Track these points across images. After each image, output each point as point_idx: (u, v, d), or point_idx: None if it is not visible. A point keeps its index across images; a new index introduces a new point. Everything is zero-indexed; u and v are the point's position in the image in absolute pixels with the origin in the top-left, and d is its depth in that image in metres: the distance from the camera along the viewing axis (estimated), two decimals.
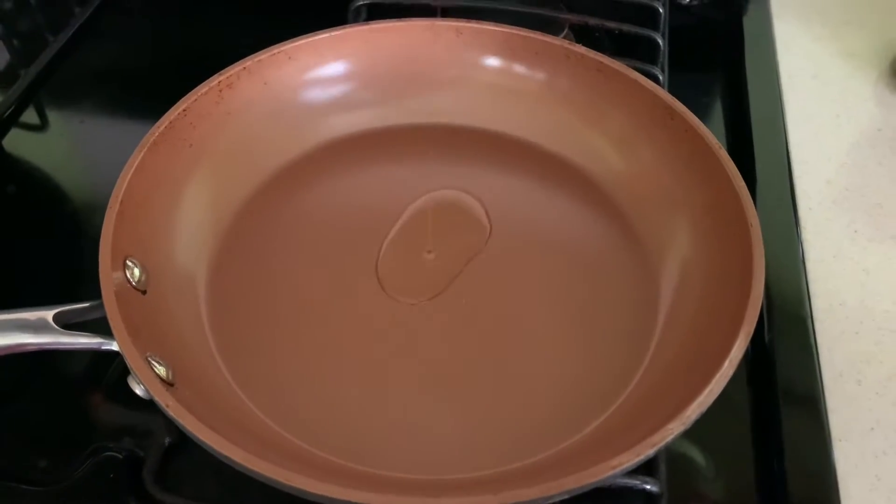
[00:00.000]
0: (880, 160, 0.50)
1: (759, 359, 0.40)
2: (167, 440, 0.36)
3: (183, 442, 0.36)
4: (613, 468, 0.28)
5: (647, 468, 0.34)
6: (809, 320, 0.41)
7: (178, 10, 0.62)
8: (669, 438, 0.29)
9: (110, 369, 0.39)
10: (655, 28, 0.53)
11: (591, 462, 0.28)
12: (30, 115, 0.54)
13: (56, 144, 0.53)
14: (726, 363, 0.31)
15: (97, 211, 0.37)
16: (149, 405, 0.32)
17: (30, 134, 0.53)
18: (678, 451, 0.36)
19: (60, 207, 0.49)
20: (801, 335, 0.40)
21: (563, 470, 0.29)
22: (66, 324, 0.34)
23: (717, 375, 0.31)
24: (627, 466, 0.28)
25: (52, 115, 0.54)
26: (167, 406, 0.30)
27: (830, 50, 0.58)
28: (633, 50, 0.52)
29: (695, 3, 0.63)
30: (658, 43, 0.52)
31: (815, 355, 0.40)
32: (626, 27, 0.53)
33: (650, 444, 0.29)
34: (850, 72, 0.56)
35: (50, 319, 0.33)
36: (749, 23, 0.59)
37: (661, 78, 0.49)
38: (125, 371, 0.32)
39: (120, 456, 0.36)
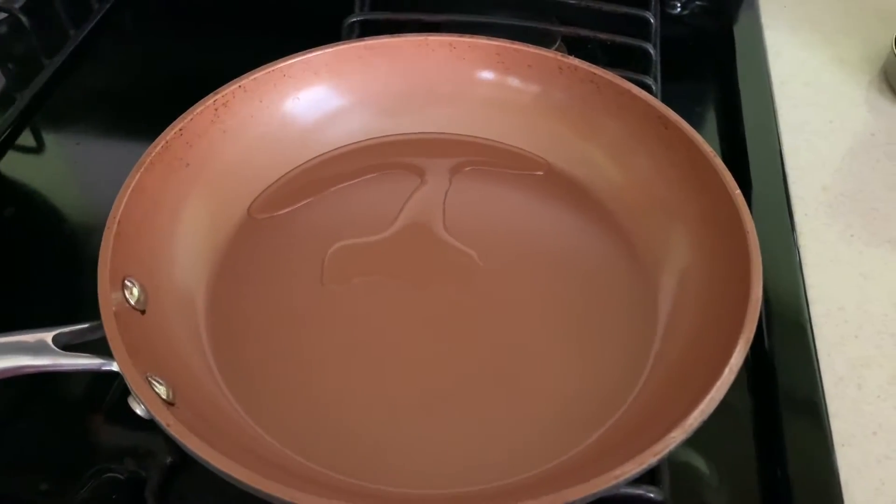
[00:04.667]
0: (874, 165, 0.51)
1: (760, 366, 0.40)
2: (168, 460, 0.36)
3: (184, 462, 0.36)
4: (616, 478, 0.28)
5: (650, 477, 0.34)
6: (808, 326, 0.41)
7: (173, 32, 0.63)
8: (672, 447, 0.29)
9: (111, 390, 0.39)
10: (647, 39, 0.54)
11: (594, 472, 0.28)
12: (26, 138, 0.54)
13: (52, 167, 0.53)
14: (726, 370, 0.31)
15: (95, 232, 0.37)
16: (149, 425, 0.32)
17: (26, 156, 0.53)
18: (681, 459, 0.36)
19: (58, 229, 0.49)
20: (800, 341, 0.41)
21: (566, 481, 0.29)
22: (66, 345, 0.33)
23: (718, 383, 0.31)
24: (630, 476, 0.28)
25: (49, 138, 0.54)
26: (168, 425, 0.29)
27: (821, 57, 0.58)
28: (626, 61, 0.52)
29: (685, 13, 0.63)
30: (650, 53, 0.52)
31: (815, 361, 0.40)
32: (618, 38, 0.53)
33: (653, 452, 0.29)
34: (842, 78, 0.57)
35: (49, 341, 0.33)
36: (740, 32, 0.60)
37: (653, 88, 0.50)
38: (125, 392, 0.32)
39: (122, 477, 0.36)
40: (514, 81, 0.47)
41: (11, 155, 0.53)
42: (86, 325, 0.34)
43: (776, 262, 0.43)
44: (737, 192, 0.38)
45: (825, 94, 0.56)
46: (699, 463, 0.37)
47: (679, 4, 0.63)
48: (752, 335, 0.33)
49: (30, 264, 0.46)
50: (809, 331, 0.41)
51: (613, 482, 0.28)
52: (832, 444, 0.37)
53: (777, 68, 0.57)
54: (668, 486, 0.34)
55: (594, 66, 0.45)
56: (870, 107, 0.55)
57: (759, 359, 0.40)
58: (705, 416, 0.30)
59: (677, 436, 0.29)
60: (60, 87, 0.57)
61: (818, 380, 0.39)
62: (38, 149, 0.54)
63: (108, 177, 0.41)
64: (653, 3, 0.57)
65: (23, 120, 0.54)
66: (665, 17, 0.59)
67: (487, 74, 0.48)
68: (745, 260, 0.35)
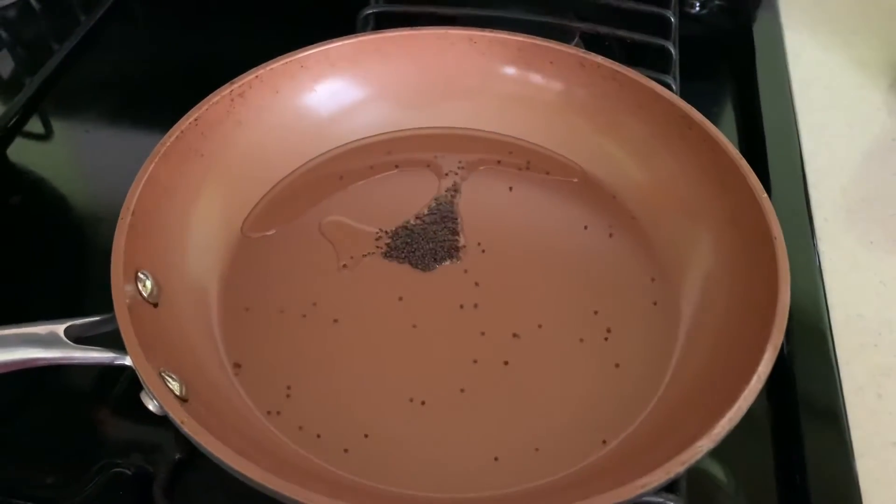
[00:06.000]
0: (894, 170, 0.50)
1: (779, 372, 0.39)
2: (177, 455, 0.35)
3: (193, 457, 0.35)
4: (642, 487, 0.27)
5: (668, 485, 0.33)
6: (829, 333, 0.41)
7: (185, 19, 0.62)
8: (699, 456, 0.29)
9: (118, 383, 0.38)
10: (666, 37, 0.53)
11: (617, 480, 0.28)
12: (34, 125, 0.53)
13: (61, 154, 0.53)
14: (754, 378, 0.31)
15: (103, 221, 0.37)
16: (158, 420, 0.31)
17: (34, 143, 0.53)
18: (699, 466, 0.36)
19: (66, 218, 0.48)
20: (820, 348, 0.40)
21: (587, 489, 0.28)
22: (78, 338, 0.33)
23: (746, 391, 0.30)
24: (656, 486, 0.28)
25: (57, 125, 0.54)
26: (182, 423, 0.29)
27: (841, 59, 0.58)
28: (644, 59, 0.52)
29: (704, 12, 0.62)
30: (670, 52, 0.52)
31: (836, 369, 0.39)
32: (637, 36, 0.52)
33: (679, 462, 0.28)
34: (862, 81, 0.56)
35: (61, 333, 0.32)
36: (759, 32, 0.59)
37: (673, 87, 0.49)
38: (133, 385, 0.32)
39: (129, 472, 0.35)
40: (535, 77, 0.47)
41: (19, 141, 0.52)
42: (98, 318, 0.33)
43: (796, 267, 0.41)
44: (763, 195, 0.37)
45: (845, 97, 0.55)
46: (717, 470, 0.36)
47: (698, 3, 0.62)
48: (780, 343, 0.32)
49: (37, 253, 0.45)
50: (829, 338, 0.40)
51: (640, 491, 0.27)
52: (852, 454, 0.36)
53: (796, 70, 0.56)
54: (686, 494, 0.34)
55: (617, 63, 0.45)
56: (890, 110, 0.54)
57: (778, 365, 0.39)
58: (733, 425, 0.29)
59: (704, 445, 0.29)
60: (70, 73, 0.56)
61: (838, 388, 0.38)
62: (47, 135, 0.53)
63: (117, 165, 0.41)
64: (673, 1, 0.56)
65: (31, 106, 0.53)
66: (683, 16, 0.59)
67: (508, 70, 0.47)
68: (771, 265, 0.35)
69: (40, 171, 0.51)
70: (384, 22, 0.54)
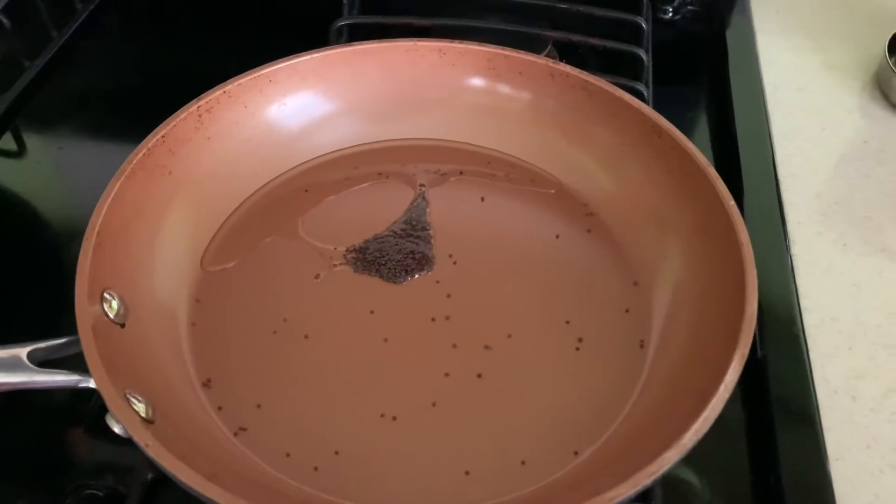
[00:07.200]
0: (867, 172, 0.50)
1: (753, 377, 0.39)
2: (150, 476, 0.35)
3: (165, 478, 0.35)
4: (610, 500, 0.27)
5: (642, 494, 0.33)
6: (802, 337, 0.41)
7: (157, 34, 0.62)
8: (666, 467, 0.29)
9: (90, 404, 0.38)
10: (639, 44, 0.53)
11: (588, 492, 0.28)
12: (7, 142, 0.53)
13: (34, 171, 0.52)
14: (721, 387, 0.31)
15: (76, 239, 0.36)
16: (129, 440, 0.31)
17: (7, 161, 0.52)
18: (673, 474, 0.35)
19: (38, 236, 0.48)
20: (794, 352, 0.40)
21: (560, 501, 0.28)
22: (42, 361, 0.33)
23: (713, 401, 0.30)
24: (624, 498, 0.28)
25: (30, 142, 0.53)
26: (146, 446, 0.29)
27: (814, 63, 0.58)
28: (617, 66, 0.52)
29: (677, 17, 0.63)
30: (642, 59, 0.52)
31: (810, 372, 0.39)
32: (609, 44, 0.53)
33: (647, 473, 0.28)
34: (835, 84, 0.56)
35: (24, 357, 0.32)
36: (732, 37, 0.59)
37: (645, 94, 0.49)
38: (105, 406, 0.31)
39: (101, 494, 0.35)
40: (504, 88, 0.47)
41: None
42: (63, 340, 0.33)
43: (769, 271, 0.42)
44: (731, 202, 0.37)
45: (817, 100, 0.55)
46: (691, 477, 0.36)
47: (671, 9, 0.63)
48: (747, 351, 0.32)
49: (8, 272, 0.45)
50: (803, 342, 0.40)
51: None
52: (826, 458, 0.36)
53: (769, 74, 0.57)
54: (662, 501, 0.34)
55: (586, 72, 0.45)
56: (862, 113, 0.54)
57: (751, 369, 0.39)
58: (700, 436, 0.29)
59: (672, 456, 0.29)
60: (43, 89, 0.56)
61: (812, 392, 0.38)
62: (20, 152, 0.53)
63: (91, 182, 0.40)
64: (645, 7, 0.56)
65: (4, 123, 0.53)
66: (656, 22, 0.59)
67: (478, 81, 0.47)
68: (739, 273, 0.35)
69: (13, 189, 0.51)
70: (358, 33, 0.54)
